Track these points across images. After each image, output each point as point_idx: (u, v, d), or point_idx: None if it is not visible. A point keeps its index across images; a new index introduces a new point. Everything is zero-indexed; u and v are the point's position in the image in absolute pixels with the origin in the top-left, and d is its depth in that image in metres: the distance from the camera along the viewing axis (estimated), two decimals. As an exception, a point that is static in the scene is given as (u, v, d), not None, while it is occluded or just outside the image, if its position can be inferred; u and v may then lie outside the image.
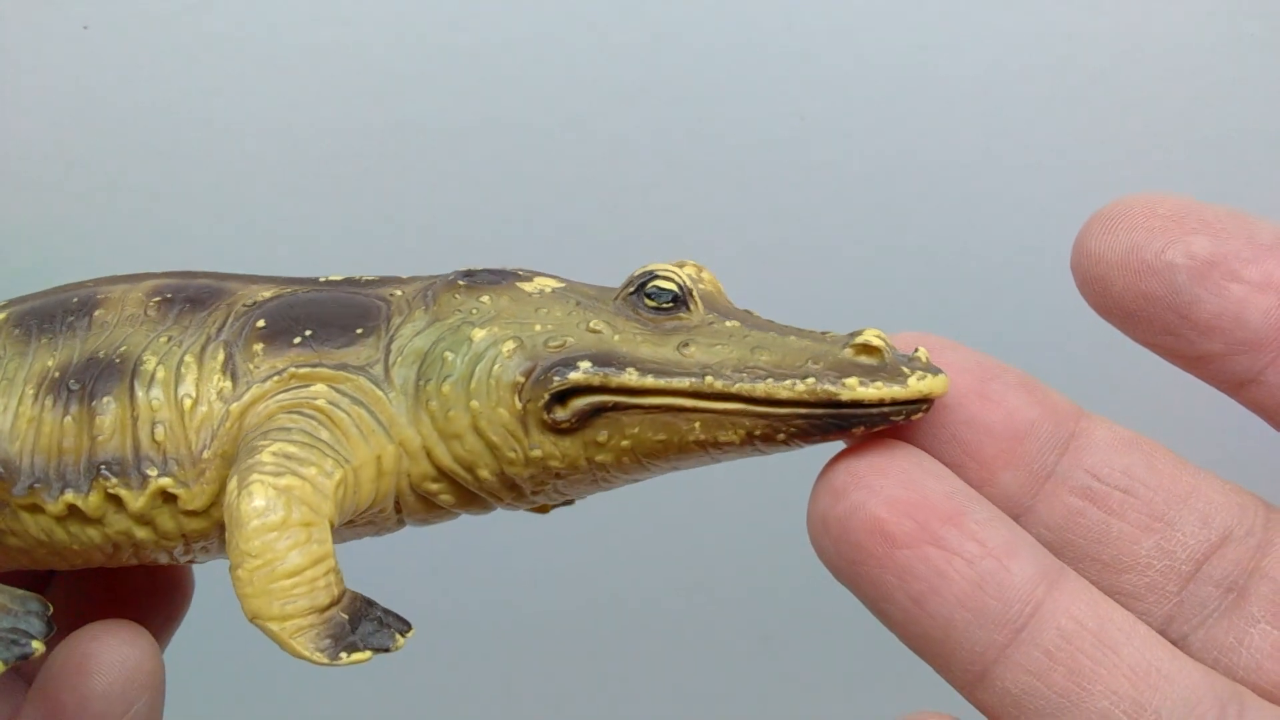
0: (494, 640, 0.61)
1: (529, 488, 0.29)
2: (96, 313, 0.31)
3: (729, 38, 0.54)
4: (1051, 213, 0.55)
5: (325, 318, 0.30)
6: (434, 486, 0.30)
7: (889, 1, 0.54)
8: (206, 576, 0.37)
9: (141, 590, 0.36)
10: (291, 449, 0.28)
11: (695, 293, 0.29)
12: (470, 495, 0.30)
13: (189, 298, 0.31)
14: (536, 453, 0.29)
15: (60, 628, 0.35)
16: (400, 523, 0.31)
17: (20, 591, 0.30)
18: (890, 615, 0.25)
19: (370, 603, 0.28)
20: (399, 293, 0.31)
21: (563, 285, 0.30)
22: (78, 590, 0.35)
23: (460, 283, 0.30)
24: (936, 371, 0.26)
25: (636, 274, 0.29)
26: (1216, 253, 0.25)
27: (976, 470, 0.26)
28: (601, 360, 0.28)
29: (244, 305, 0.31)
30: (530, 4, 0.53)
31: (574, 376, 0.28)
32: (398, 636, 0.28)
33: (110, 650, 0.31)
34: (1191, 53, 0.54)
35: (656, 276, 0.29)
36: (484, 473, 0.29)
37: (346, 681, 0.56)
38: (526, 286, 0.30)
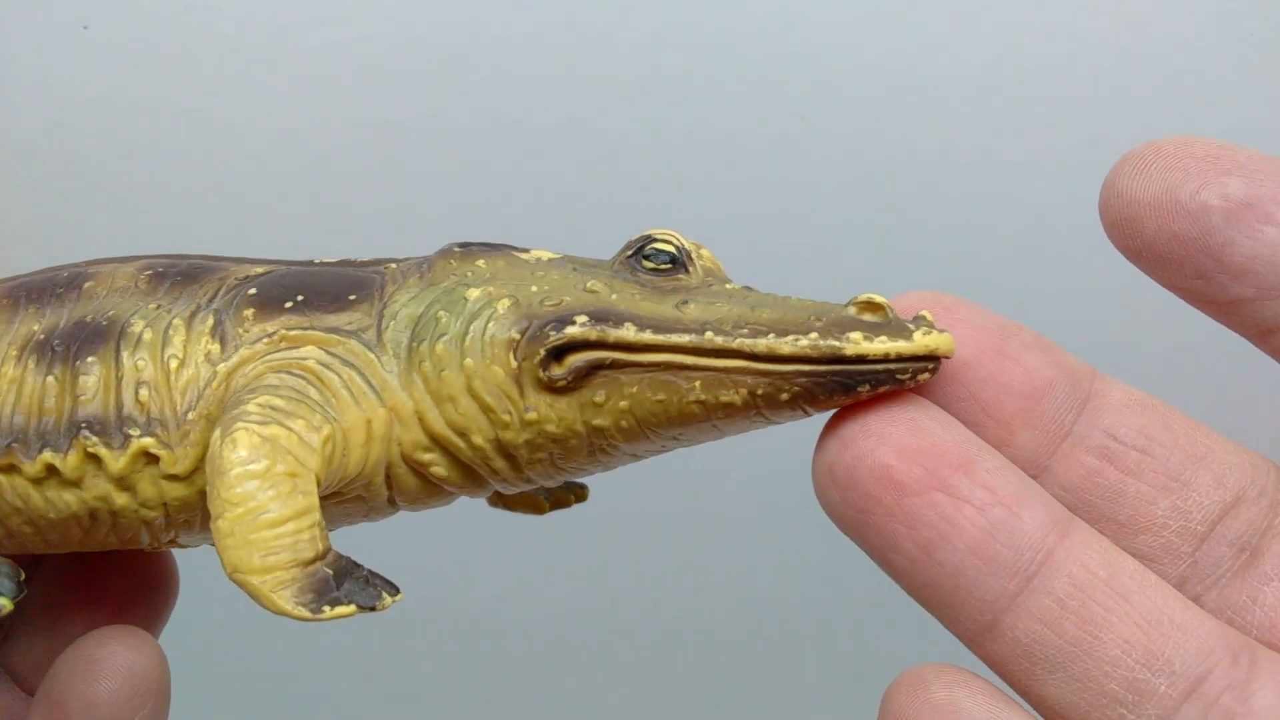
0: (492, 641, 0.60)
1: (525, 456, 0.29)
2: (86, 285, 0.31)
3: (728, 20, 0.54)
4: (1051, 214, 0.55)
5: (318, 286, 0.30)
6: (427, 456, 0.29)
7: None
8: (205, 577, 0.36)
9: (124, 586, 0.35)
10: (278, 401, 0.28)
11: (694, 255, 0.29)
12: (464, 469, 0.29)
13: (181, 273, 0.31)
14: (532, 415, 0.28)
15: (39, 622, 0.34)
16: (392, 503, 0.30)
17: None
18: (897, 565, 0.25)
19: (357, 564, 0.27)
20: (394, 265, 0.31)
21: (559, 256, 0.30)
22: (58, 585, 0.35)
23: (455, 249, 0.30)
24: (942, 330, 0.26)
25: (634, 239, 0.29)
26: (1252, 195, 0.24)
27: (995, 429, 0.26)
28: (599, 316, 0.27)
29: (236, 279, 0.31)
30: (529, 3, 0.54)
31: (570, 331, 0.27)
32: (384, 596, 0.27)
33: (116, 656, 0.31)
34: (1191, 53, 0.54)
35: (654, 239, 0.29)
36: (478, 438, 0.28)
37: (344, 680, 0.56)
38: (523, 255, 0.30)
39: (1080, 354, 0.27)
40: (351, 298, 0.30)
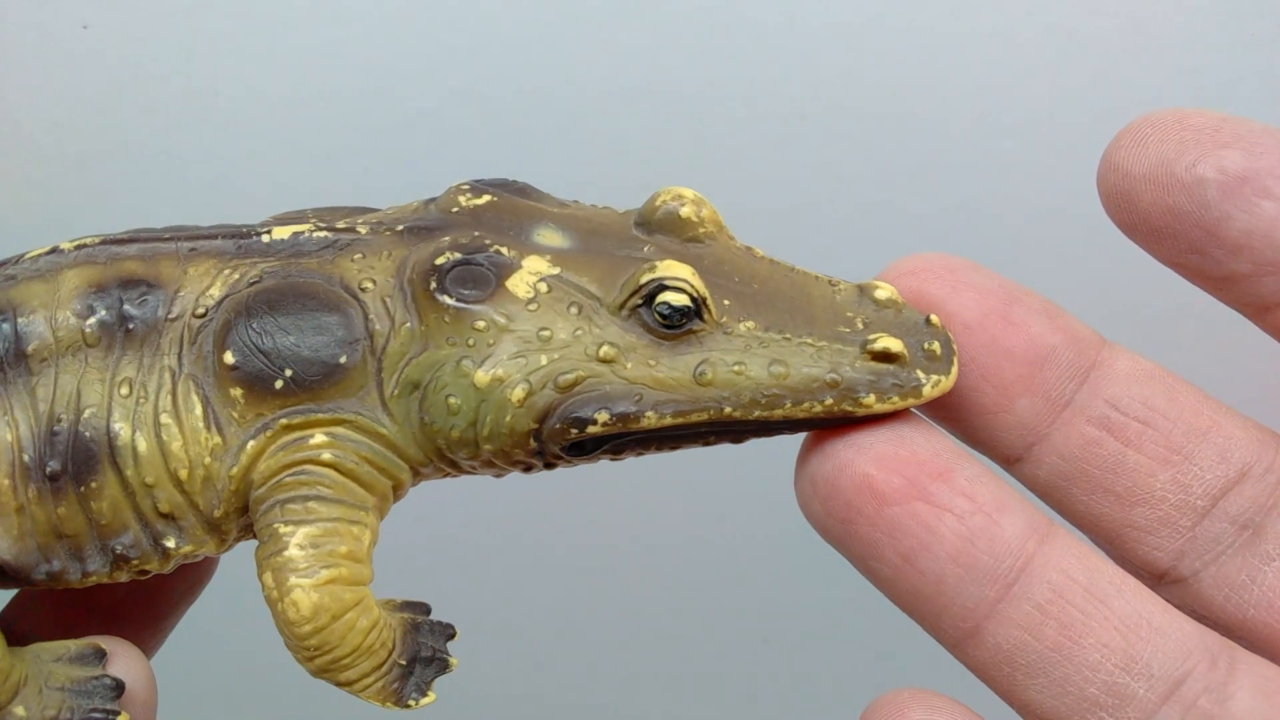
0: (491, 641, 0.61)
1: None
2: (31, 348, 0.29)
3: None
4: (1052, 213, 0.55)
5: (301, 337, 0.28)
6: (438, 477, 0.31)
7: None
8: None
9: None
10: (316, 532, 0.28)
11: (709, 302, 0.27)
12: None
13: (127, 302, 0.29)
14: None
15: (80, 606, 0.33)
16: None
17: (75, 646, 0.29)
18: (880, 574, 0.25)
19: (415, 626, 0.30)
20: (370, 285, 0.29)
21: (555, 271, 0.28)
22: None
23: (447, 303, 0.28)
24: (950, 363, 0.26)
25: (644, 280, 0.27)
26: (1249, 168, 0.24)
27: (994, 395, 0.26)
28: (618, 404, 0.27)
29: (195, 316, 0.29)
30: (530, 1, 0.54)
31: (592, 430, 0.28)
32: (449, 659, 0.30)
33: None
34: (1191, 53, 0.54)
35: (666, 288, 0.27)
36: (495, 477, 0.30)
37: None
38: (517, 287, 0.28)
39: (1097, 323, 0.27)
40: (342, 360, 0.28)
